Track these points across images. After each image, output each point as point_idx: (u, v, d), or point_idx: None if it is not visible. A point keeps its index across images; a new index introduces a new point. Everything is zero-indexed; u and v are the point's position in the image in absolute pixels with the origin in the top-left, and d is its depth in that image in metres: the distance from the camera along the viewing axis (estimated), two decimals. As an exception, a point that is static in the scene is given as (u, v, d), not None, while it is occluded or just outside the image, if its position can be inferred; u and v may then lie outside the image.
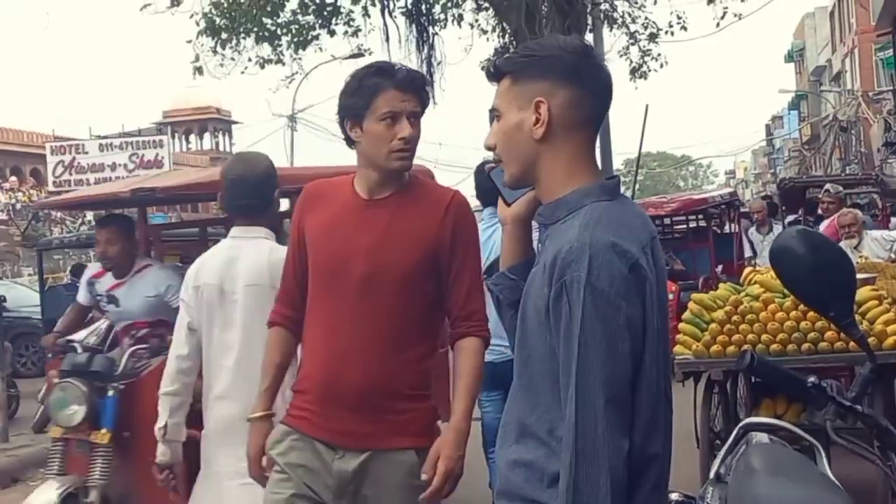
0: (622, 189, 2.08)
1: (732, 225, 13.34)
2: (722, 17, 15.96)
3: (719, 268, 12.03)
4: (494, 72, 2.01)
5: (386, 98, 2.80)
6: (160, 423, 3.79)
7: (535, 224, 2.10)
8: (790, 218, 12.49)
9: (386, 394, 2.84)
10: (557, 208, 1.94)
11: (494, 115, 2.01)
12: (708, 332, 5.32)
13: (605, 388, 1.77)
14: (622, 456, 1.77)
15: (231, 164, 3.88)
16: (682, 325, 5.49)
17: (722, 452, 2.69)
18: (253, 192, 3.67)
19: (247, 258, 3.65)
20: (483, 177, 5.83)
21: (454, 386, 2.91)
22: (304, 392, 2.90)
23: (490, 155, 2.09)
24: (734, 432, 2.75)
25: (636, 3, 16.20)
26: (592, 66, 1.96)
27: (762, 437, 2.65)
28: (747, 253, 12.06)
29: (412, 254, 2.84)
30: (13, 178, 42.44)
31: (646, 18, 16.33)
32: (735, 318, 5.29)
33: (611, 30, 16.22)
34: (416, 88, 2.86)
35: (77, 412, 4.55)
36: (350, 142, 2.90)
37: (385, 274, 2.82)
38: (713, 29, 16.51)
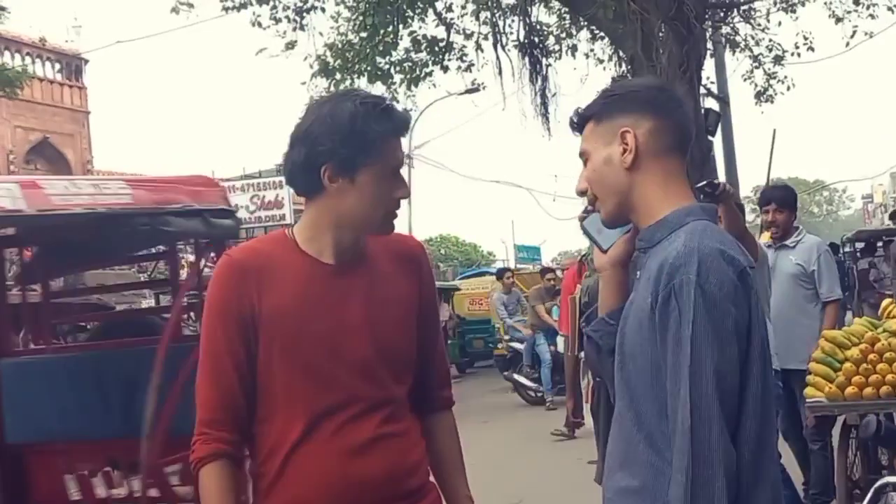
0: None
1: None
2: (852, 36, 15.32)
3: None
4: (578, 121, 2.08)
5: (392, 148, 2.31)
6: None
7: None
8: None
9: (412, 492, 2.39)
10: (658, 230, 1.96)
11: (583, 159, 2.07)
12: (842, 373, 4.92)
13: (717, 390, 1.76)
14: (733, 460, 1.75)
15: None
16: (812, 366, 5.10)
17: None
18: None
19: None
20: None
21: (447, 468, 2.53)
22: None
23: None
24: (872, 490, 2.50)
25: (759, 25, 15.69)
26: (671, 98, 2.05)
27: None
28: None
29: (406, 323, 2.41)
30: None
31: (770, 40, 15.79)
32: (872, 356, 4.86)
33: (733, 53, 15.78)
34: (404, 135, 2.37)
35: None
36: (312, 190, 2.31)
37: (382, 355, 2.34)
38: (843, 48, 15.77)
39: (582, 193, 2.08)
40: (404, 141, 2.37)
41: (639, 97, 2.02)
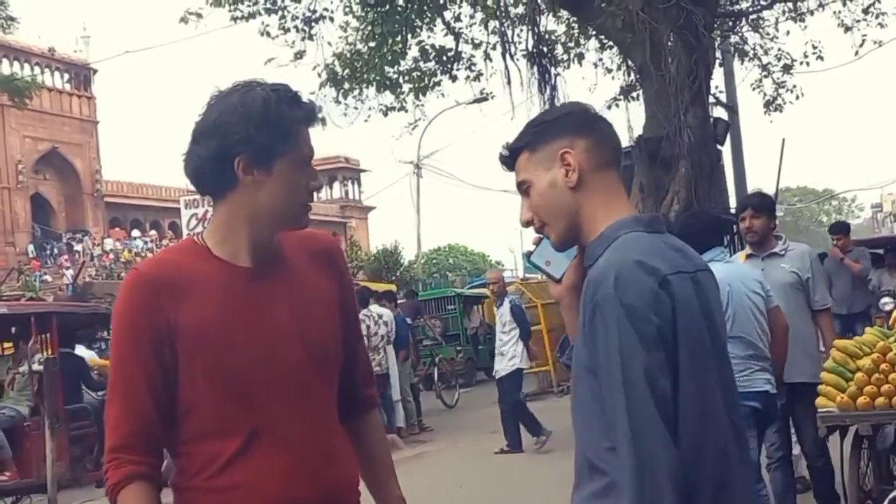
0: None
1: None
2: (861, 45, 15.33)
3: None
4: (509, 154, 2.12)
5: (305, 137, 2.19)
6: None
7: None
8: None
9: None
10: (598, 246, 2.00)
11: (523, 188, 2.10)
12: (854, 383, 4.88)
13: (654, 395, 1.82)
14: (677, 461, 1.81)
15: None
16: (824, 375, 5.07)
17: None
18: None
19: None
20: (694, 223, 5.64)
21: (377, 469, 2.46)
22: None
23: None
24: (886, 501, 2.47)
25: (768, 34, 15.67)
26: (597, 117, 2.13)
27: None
28: None
29: (332, 322, 2.30)
30: (153, 232, 43.96)
31: (779, 49, 15.76)
32: (884, 366, 4.83)
33: (742, 63, 15.75)
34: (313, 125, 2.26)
35: None
36: (223, 186, 2.16)
37: (318, 355, 2.23)
38: (852, 57, 15.73)
39: (527, 224, 2.10)
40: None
41: (568, 120, 2.10)
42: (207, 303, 2.14)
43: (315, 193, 2.25)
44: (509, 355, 11.14)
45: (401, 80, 14.18)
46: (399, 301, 15.64)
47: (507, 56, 13.10)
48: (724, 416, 1.92)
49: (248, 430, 2.14)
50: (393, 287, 23.29)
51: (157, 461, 2.15)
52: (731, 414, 1.95)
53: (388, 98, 14.26)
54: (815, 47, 15.61)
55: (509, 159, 2.13)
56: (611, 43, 13.71)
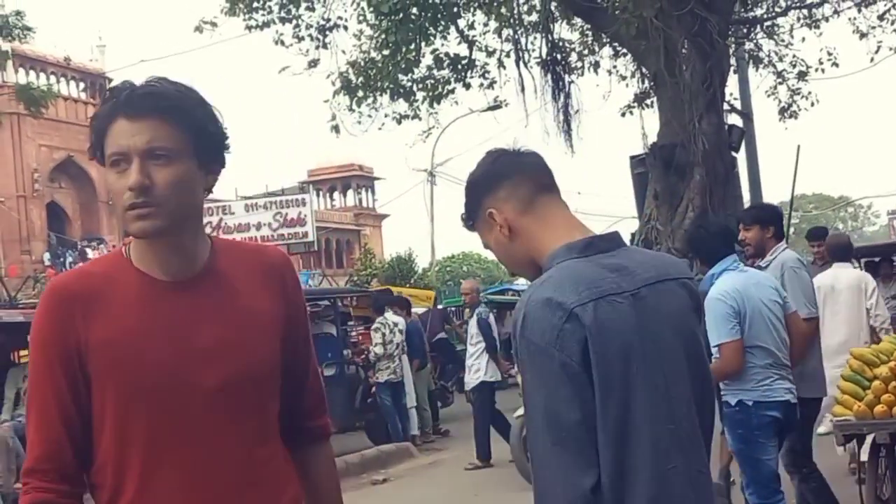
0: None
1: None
2: (876, 52, 15.29)
3: None
4: (467, 224, 2.24)
5: (115, 132, 1.92)
6: None
7: None
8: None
9: None
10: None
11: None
12: (871, 391, 4.86)
13: (551, 429, 1.91)
14: (580, 492, 1.87)
15: None
16: (841, 384, 5.04)
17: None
18: None
19: None
20: (701, 232, 5.60)
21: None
22: None
23: None
24: None
25: (783, 41, 15.64)
26: (502, 157, 2.19)
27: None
28: None
29: (267, 343, 2.06)
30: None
31: (794, 56, 15.74)
32: (902, 374, 4.80)
33: (756, 69, 15.72)
34: (149, 111, 1.91)
35: None
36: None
37: (245, 380, 2.01)
38: (867, 64, 15.68)
39: (513, 274, 2.28)
40: (147, 122, 1.92)
41: (481, 178, 2.18)
42: (121, 319, 1.96)
43: (130, 194, 1.91)
44: (474, 368, 11.14)
45: (414, 88, 14.18)
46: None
47: (521, 64, 13.13)
48: (664, 431, 1.95)
49: (154, 463, 1.96)
50: (431, 293, 23.19)
51: (71, 488, 1.98)
52: (682, 425, 1.98)
53: (401, 106, 14.25)
54: (830, 54, 15.61)
55: (471, 227, 2.24)
56: (625, 50, 13.71)
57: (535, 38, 13.67)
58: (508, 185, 2.14)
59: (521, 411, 9.20)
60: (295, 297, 2.16)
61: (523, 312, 1.96)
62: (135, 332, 1.95)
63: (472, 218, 2.21)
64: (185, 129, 1.94)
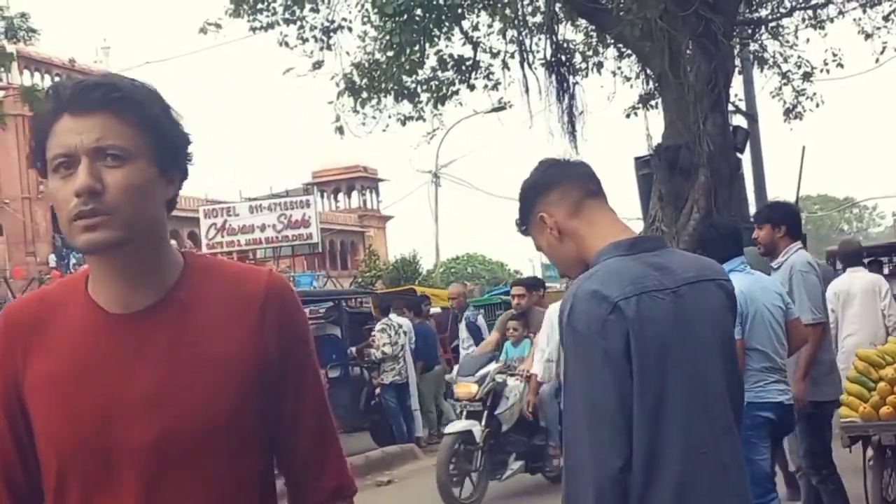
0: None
1: None
2: (881, 52, 15.26)
3: None
4: (521, 229, 2.43)
5: (58, 133, 1.63)
6: None
7: None
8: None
9: None
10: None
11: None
12: (876, 392, 4.85)
13: (588, 412, 2.04)
14: (608, 473, 2.00)
15: None
16: (847, 385, 5.03)
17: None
18: None
19: None
20: (711, 232, 5.57)
21: None
22: None
23: None
24: None
25: (787, 42, 15.61)
26: (554, 165, 2.41)
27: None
28: None
29: (232, 389, 1.68)
30: (172, 242, 44.01)
31: (798, 57, 15.69)
32: (907, 376, 4.79)
33: (761, 70, 15.68)
34: (98, 105, 1.62)
35: None
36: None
37: (184, 437, 1.64)
38: (872, 65, 15.67)
39: (563, 276, 2.34)
40: (94, 118, 1.62)
41: (532, 185, 2.38)
42: (60, 353, 1.68)
43: (78, 201, 1.60)
44: None
45: (419, 90, 14.16)
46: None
47: (525, 65, 13.11)
48: (699, 421, 2.07)
49: None
50: (447, 292, 23.07)
51: None
52: (718, 417, 2.11)
53: (406, 107, 14.23)
54: (835, 55, 15.55)
55: (525, 232, 2.43)
56: (629, 51, 13.69)
57: (539, 39, 13.64)
58: (558, 190, 2.33)
59: (451, 427, 9.01)
60: (282, 332, 1.75)
61: (570, 303, 2.10)
62: (64, 377, 1.67)
63: (525, 223, 2.39)
64: (141, 125, 1.64)
